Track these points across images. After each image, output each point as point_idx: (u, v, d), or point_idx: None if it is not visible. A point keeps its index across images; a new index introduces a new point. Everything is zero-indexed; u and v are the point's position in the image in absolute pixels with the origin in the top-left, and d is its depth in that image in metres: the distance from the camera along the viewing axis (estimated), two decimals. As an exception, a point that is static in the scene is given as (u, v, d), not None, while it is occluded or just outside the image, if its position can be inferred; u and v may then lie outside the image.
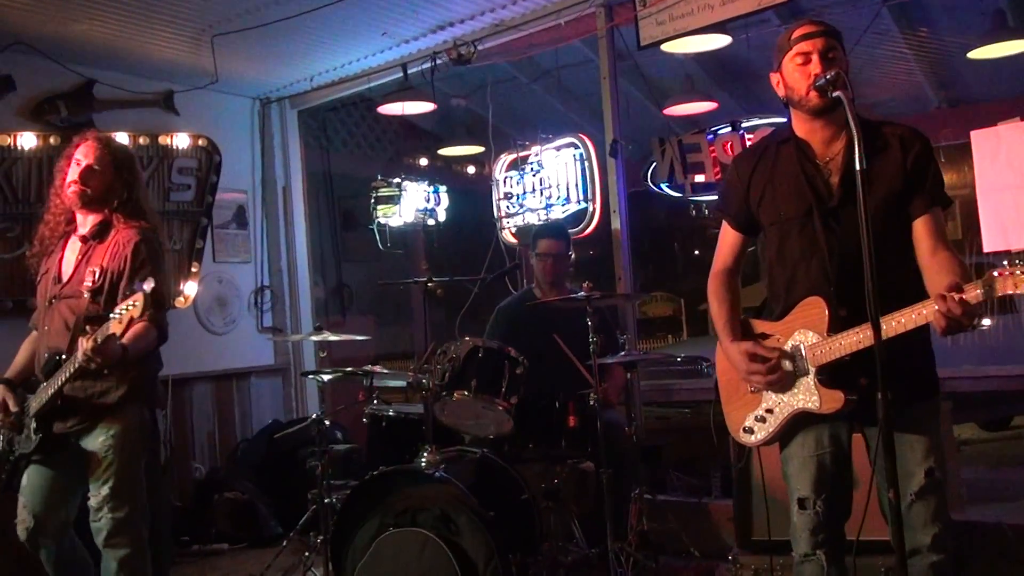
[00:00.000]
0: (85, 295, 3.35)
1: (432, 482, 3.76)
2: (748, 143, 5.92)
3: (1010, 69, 7.21)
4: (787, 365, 2.64)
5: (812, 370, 2.59)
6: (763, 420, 2.73)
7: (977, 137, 4.72)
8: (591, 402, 4.08)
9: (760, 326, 2.78)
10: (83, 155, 3.43)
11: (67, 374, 3.23)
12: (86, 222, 3.48)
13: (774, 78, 2.73)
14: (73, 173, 3.42)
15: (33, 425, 3.35)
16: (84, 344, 3.09)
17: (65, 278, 3.45)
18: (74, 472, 3.41)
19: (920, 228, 2.59)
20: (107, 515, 3.35)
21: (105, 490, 3.35)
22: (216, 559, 5.68)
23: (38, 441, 3.34)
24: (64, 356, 3.30)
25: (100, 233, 3.45)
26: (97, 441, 3.36)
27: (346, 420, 6.26)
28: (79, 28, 5.43)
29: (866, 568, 3.34)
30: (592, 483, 4.39)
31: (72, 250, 3.50)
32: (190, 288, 6.42)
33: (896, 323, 2.34)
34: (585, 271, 4.94)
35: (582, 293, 4.15)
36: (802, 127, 2.72)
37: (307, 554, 4.73)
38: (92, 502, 3.37)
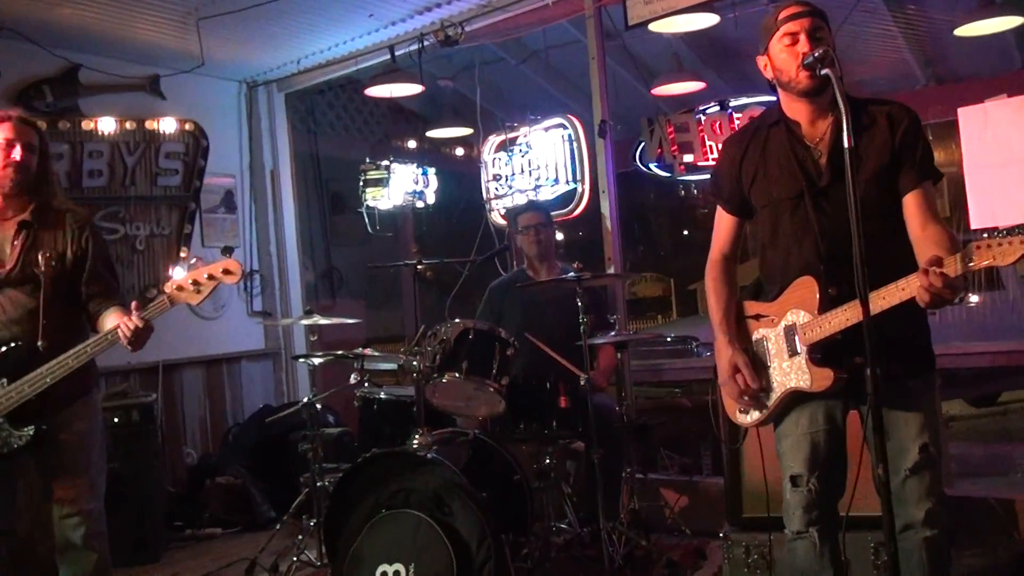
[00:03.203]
0: (42, 280, 3.21)
1: (424, 464, 3.77)
2: (736, 122, 5.93)
3: (997, 46, 7.23)
4: (762, 395, 2.71)
5: (804, 349, 2.60)
6: (757, 400, 2.76)
7: (964, 114, 4.72)
8: (582, 383, 4.09)
9: (754, 307, 2.80)
10: (14, 135, 3.23)
11: (73, 360, 3.12)
12: (16, 206, 3.29)
13: (761, 61, 2.72)
14: (11, 154, 3.22)
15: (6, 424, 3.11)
16: (133, 320, 3.07)
17: (7, 264, 3.25)
18: (25, 475, 3.26)
19: (910, 203, 2.59)
20: (85, 508, 3.23)
21: (83, 482, 3.25)
22: (209, 543, 5.70)
23: (31, 437, 3.12)
24: (44, 345, 3.15)
25: (41, 218, 3.30)
26: (72, 430, 3.24)
27: (337, 403, 6.27)
28: (64, 12, 5.39)
29: (857, 543, 3.37)
30: (583, 463, 4.41)
31: (2, 234, 3.29)
32: (178, 273, 6.38)
33: (881, 299, 2.34)
34: (575, 252, 4.95)
35: (572, 273, 4.16)
36: (791, 108, 2.71)
37: (300, 537, 4.74)
38: (66, 496, 3.21)
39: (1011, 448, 6.72)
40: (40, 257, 3.24)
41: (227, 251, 3.16)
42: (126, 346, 3.13)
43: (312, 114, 8.06)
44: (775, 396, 2.71)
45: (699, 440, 5.32)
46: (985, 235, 2.21)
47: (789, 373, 2.66)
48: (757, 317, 2.76)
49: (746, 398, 2.73)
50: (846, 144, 2.27)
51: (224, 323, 6.90)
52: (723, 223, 2.93)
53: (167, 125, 6.22)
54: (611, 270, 5.34)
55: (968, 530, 3.88)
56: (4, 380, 3.13)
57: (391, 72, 6.20)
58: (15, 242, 3.27)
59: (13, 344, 3.18)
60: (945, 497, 2.62)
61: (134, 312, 3.13)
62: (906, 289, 2.34)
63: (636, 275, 10.79)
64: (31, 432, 3.13)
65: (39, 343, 3.17)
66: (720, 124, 5.83)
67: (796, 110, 2.70)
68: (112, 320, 3.24)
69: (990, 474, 5.32)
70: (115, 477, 5.16)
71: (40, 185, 3.34)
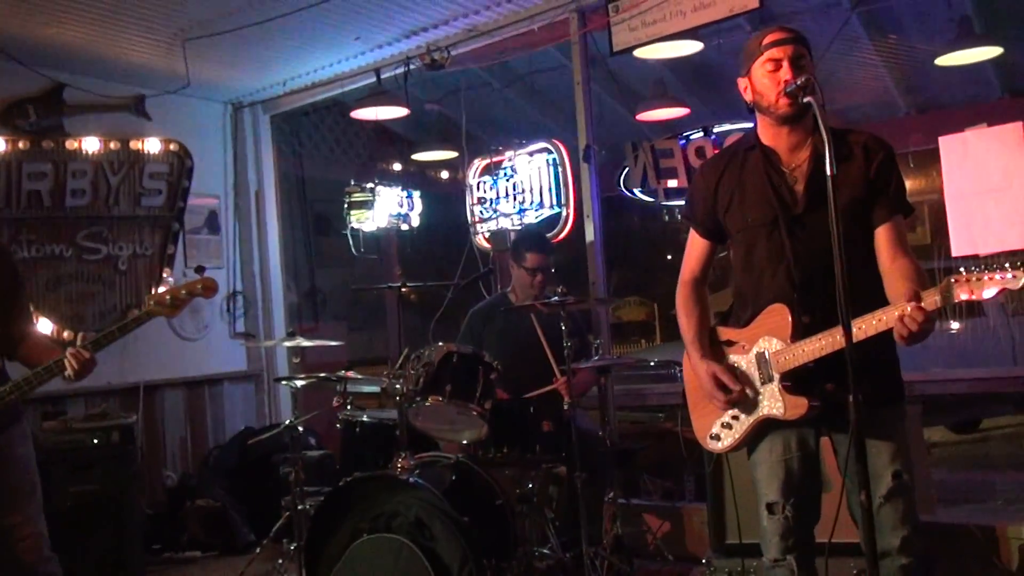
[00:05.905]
0: None
1: (406, 488, 3.75)
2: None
3: (977, 76, 7.32)
4: (749, 393, 2.67)
5: (777, 376, 2.61)
6: (729, 427, 2.76)
7: (945, 143, 4.78)
8: (565, 406, 4.09)
9: (726, 333, 2.80)
10: None
11: (38, 381, 3.07)
12: None
13: (742, 83, 2.74)
14: None
15: None
16: (81, 352, 3.00)
17: None
18: None
19: (882, 236, 2.62)
20: (36, 530, 3.16)
21: (32, 505, 3.17)
22: (188, 567, 5.65)
23: None
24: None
25: None
26: (15, 454, 3.17)
27: (319, 426, 6.23)
28: (49, 31, 5.38)
29: (838, 570, 3.36)
30: (566, 487, 4.39)
31: None
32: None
33: (858, 329, 2.35)
34: (558, 276, 4.92)
35: (556, 298, 4.16)
36: (768, 134, 2.73)
37: (280, 561, 4.71)
38: (16, 520, 3.12)
39: (992, 475, 6.73)
40: None
41: (199, 270, 3.23)
42: (70, 378, 3.05)
43: (297, 136, 8.06)
44: (747, 423, 2.71)
45: (682, 465, 5.30)
46: (962, 269, 2.23)
47: (762, 400, 2.66)
48: (728, 343, 2.77)
49: (734, 407, 2.71)
50: (829, 171, 2.28)
51: (206, 344, 6.87)
52: (695, 246, 2.94)
53: (152, 145, 6.21)
54: (595, 294, 5.33)
55: (949, 557, 3.89)
56: None
57: (377, 95, 6.21)
58: None
59: None
60: (920, 524, 2.62)
61: (79, 343, 3.05)
62: (883, 320, 2.36)
63: (619, 299, 10.80)
64: None
65: None
66: (704, 150, 5.86)
67: (774, 136, 2.71)
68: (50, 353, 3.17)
69: (971, 501, 5.32)
70: (94, 499, 5.17)
71: None
